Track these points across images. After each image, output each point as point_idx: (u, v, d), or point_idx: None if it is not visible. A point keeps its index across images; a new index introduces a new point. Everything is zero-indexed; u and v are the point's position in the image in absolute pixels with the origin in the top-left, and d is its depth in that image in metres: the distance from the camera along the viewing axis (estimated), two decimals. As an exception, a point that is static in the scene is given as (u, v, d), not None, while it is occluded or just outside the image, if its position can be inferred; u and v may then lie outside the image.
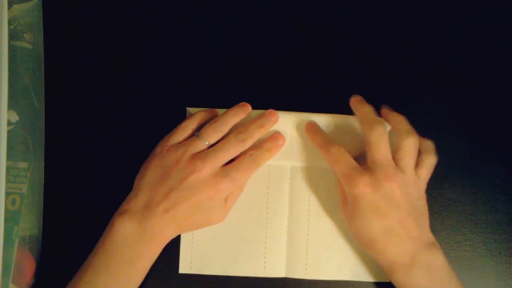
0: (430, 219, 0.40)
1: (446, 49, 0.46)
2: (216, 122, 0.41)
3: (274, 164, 0.44)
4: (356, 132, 0.44)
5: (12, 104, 0.45)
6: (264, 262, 0.44)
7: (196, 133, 0.41)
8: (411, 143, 0.39)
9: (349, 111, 0.44)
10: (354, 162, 0.40)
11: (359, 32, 0.46)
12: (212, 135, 0.41)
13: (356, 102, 0.42)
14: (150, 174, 0.40)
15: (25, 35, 0.46)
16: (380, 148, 0.39)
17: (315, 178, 0.44)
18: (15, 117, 0.45)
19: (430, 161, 0.40)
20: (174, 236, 0.41)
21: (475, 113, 0.46)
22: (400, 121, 0.41)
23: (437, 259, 0.38)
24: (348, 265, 0.44)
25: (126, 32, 0.46)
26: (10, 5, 0.46)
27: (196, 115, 0.42)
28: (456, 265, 0.45)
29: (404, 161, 0.39)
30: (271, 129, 0.44)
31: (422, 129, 0.45)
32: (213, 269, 0.44)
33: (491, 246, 0.45)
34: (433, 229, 0.45)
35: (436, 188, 0.45)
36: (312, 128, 0.43)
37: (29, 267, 0.44)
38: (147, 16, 0.46)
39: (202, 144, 0.41)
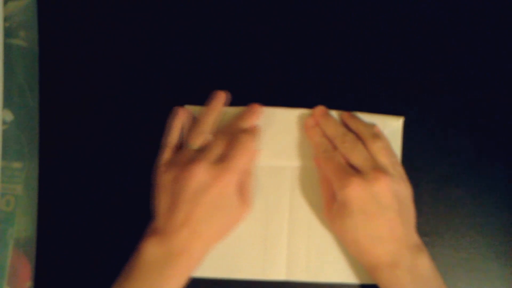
0: (416, 219, 0.41)
1: (447, 49, 0.46)
2: (197, 123, 0.42)
3: (275, 165, 0.44)
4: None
5: (7, 103, 0.45)
6: (264, 265, 0.44)
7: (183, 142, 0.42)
8: (381, 145, 0.41)
9: (349, 109, 0.44)
10: (345, 164, 0.40)
11: (359, 32, 0.46)
12: (197, 139, 0.41)
13: (319, 115, 0.43)
14: (161, 202, 0.40)
15: (20, 32, 0.46)
16: (358, 152, 0.40)
17: (315, 179, 0.44)
18: (10, 116, 0.45)
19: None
20: (204, 250, 0.40)
21: (480, 113, 0.46)
22: (362, 126, 0.42)
23: (422, 262, 0.39)
24: (349, 267, 0.44)
25: (123, 30, 0.46)
26: (5, 2, 0.46)
27: (173, 122, 0.43)
28: (461, 268, 0.45)
29: (383, 163, 0.40)
30: (271, 126, 0.44)
31: (424, 129, 0.45)
32: (213, 271, 0.44)
33: (496, 249, 0.45)
34: (438, 231, 0.45)
35: (440, 190, 0.45)
36: (311, 125, 0.43)
37: (24, 270, 0.44)
38: (144, 14, 0.46)
39: (191, 151, 0.41)
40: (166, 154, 0.42)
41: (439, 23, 0.46)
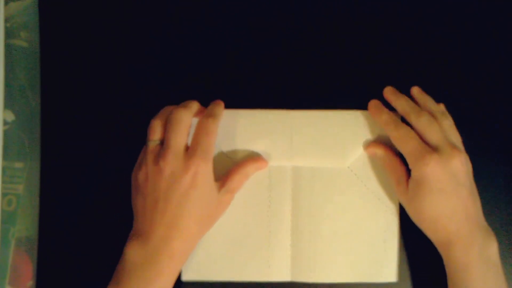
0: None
1: (446, 49, 0.46)
2: (152, 119, 0.41)
3: (275, 166, 0.44)
4: (358, 127, 0.44)
5: (8, 103, 0.45)
6: (269, 266, 0.43)
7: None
8: (449, 123, 0.41)
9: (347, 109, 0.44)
10: (421, 141, 0.40)
11: (359, 32, 0.46)
12: (154, 133, 0.40)
13: (390, 93, 0.43)
14: (137, 204, 0.39)
15: (21, 33, 0.46)
16: (435, 129, 0.40)
17: (317, 179, 0.44)
18: (11, 117, 0.45)
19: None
20: (187, 247, 0.39)
21: (476, 113, 0.46)
22: (431, 103, 0.42)
23: (492, 246, 0.39)
24: (354, 266, 0.43)
25: (123, 30, 0.46)
26: (6, 2, 0.46)
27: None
28: (459, 267, 0.44)
29: (454, 140, 0.40)
30: (270, 127, 0.44)
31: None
32: (217, 275, 0.43)
33: (494, 248, 0.45)
34: (436, 230, 0.45)
35: (439, 189, 0.45)
36: (377, 106, 0.43)
37: (26, 269, 0.44)
38: (144, 14, 0.46)
39: (154, 146, 0.40)
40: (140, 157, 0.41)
41: (438, 22, 0.46)
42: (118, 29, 0.46)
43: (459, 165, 0.39)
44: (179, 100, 0.44)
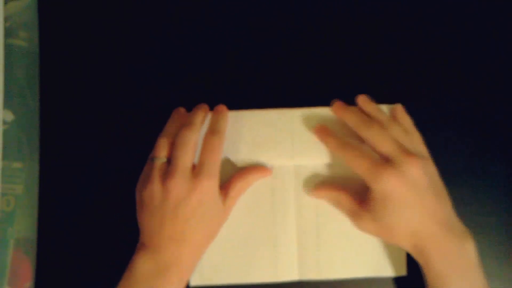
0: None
1: (446, 48, 0.46)
2: (159, 136, 0.41)
3: (277, 166, 0.44)
4: None
5: (7, 103, 0.45)
6: (276, 267, 0.43)
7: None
8: (400, 128, 0.40)
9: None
10: (376, 155, 0.39)
11: (359, 31, 0.46)
12: (161, 150, 0.40)
13: (338, 109, 0.42)
14: (143, 219, 0.39)
15: (20, 33, 0.46)
16: (386, 139, 0.39)
17: (320, 176, 0.44)
18: (10, 117, 0.45)
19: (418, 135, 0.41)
20: (195, 257, 0.40)
21: (476, 113, 0.46)
22: (379, 111, 0.41)
23: (469, 248, 0.37)
24: (362, 261, 0.43)
25: (123, 30, 0.46)
26: (5, 2, 0.46)
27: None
28: (460, 268, 0.44)
29: (409, 145, 0.39)
30: (270, 127, 0.44)
31: (424, 129, 0.45)
32: (224, 278, 0.43)
33: (495, 248, 0.45)
34: (437, 230, 0.45)
35: (439, 189, 0.45)
36: (323, 131, 0.42)
37: (25, 270, 0.44)
38: (144, 14, 0.46)
39: (161, 164, 0.40)
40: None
41: (438, 22, 0.46)
42: (118, 29, 0.46)
43: (417, 171, 0.37)
44: (179, 100, 0.44)
